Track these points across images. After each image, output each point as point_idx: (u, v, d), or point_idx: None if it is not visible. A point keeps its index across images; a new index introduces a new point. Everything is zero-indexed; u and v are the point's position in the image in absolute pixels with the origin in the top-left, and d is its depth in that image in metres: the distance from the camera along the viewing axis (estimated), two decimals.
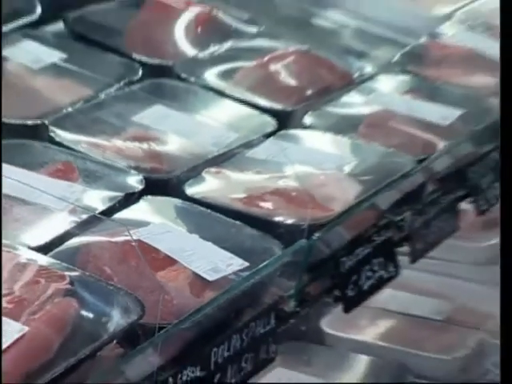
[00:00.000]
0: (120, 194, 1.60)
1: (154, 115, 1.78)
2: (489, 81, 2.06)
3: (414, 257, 1.86)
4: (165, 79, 1.90)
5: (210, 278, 1.47)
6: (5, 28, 1.87)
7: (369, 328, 2.38)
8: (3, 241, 1.44)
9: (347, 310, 1.75)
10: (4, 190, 1.56)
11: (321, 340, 2.36)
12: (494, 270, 2.64)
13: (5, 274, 1.37)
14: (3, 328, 1.27)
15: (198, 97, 1.87)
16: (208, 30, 1.97)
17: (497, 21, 2.22)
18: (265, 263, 1.52)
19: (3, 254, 1.40)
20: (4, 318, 1.30)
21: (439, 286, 2.58)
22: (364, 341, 2.35)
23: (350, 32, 2.18)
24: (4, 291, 1.34)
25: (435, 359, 2.37)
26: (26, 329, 1.26)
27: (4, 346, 1.25)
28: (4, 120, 1.69)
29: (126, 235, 1.49)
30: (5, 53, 1.85)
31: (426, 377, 2.38)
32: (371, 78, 2.01)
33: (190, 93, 1.88)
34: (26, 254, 1.40)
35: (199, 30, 2.00)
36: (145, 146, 1.72)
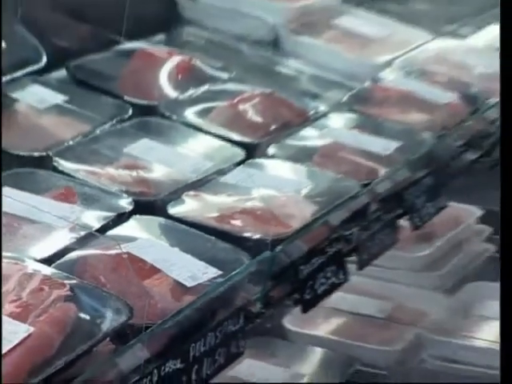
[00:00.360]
0: (113, 214, 1.60)
1: (141, 147, 1.79)
2: (422, 118, 2.07)
3: (361, 265, 1.87)
4: (151, 117, 1.91)
5: (188, 285, 1.47)
6: (16, 74, 1.86)
7: (323, 325, 2.38)
8: (13, 254, 1.43)
9: (305, 310, 1.74)
10: (14, 211, 1.55)
11: (283, 335, 2.36)
12: (427, 275, 2.64)
13: (14, 283, 1.36)
14: (12, 328, 1.26)
15: (178, 132, 1.88)
16: (187, 76, 1.98)
17: (430, 67, 2.22)
18: (235, 272, 1.53)
19: (13, 265, 1.39)
20: (13, 320, 1.29)
21: (381, 289, 2.58)
22: (319, 335, 2.36)
23: (306, 77, 2.19)
24: (13, 297, 1.33)
25: (378, 350, 2.37)
26: (32, 329, 1.25)
27: (13, 344, 1.24)
28: (14, 152, 1.68)
29: (118, 249, 1.48)
30: (15, 95, 1.85)
31: (370, 365, 2.38)
32: (324, 115, 2.01)
33: (172, 128, 1.89)
34: (32, 266, 1.39)
35: (180, 76, 2.00)
36: (134, 173, 1.72)
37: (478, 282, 2.67)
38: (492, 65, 2.34)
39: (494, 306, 2.56)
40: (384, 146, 1.95)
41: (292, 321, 2.32)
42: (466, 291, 2.60)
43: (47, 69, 1.85)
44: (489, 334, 2.46)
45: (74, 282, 1.38)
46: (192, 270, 1.49)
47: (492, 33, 2.54)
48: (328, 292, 1.74)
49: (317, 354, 2.32)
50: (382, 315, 2.46)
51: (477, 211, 2.87)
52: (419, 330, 2.43)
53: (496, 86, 2.21)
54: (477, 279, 2.73)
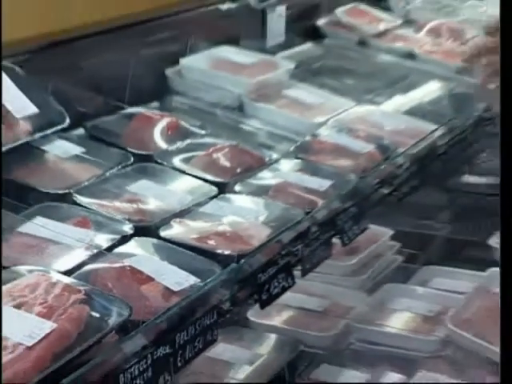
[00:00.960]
0: (118, 237, 1.58)
1: (140, 186, 1.81)
2: (348, 163, 2.09)
3: (304, 272, 1.88)
4: (148, 163, 1.90)
5: (175, 289, 1.45)
6: (46, 132, 1.84)
7: (276, 317, 2.39)
8: (41, 268, 1.40)
9: (262, 307, 1.74)
10: (43, 235, 1.53)
11: (247, 325, 2.35)
12: (353, 279, 2.64)
13: (41, 290, 1.34)
14: (40, 325, 1.23)
15: (168, 174, 1.89)
16: (175, 133, 2.00)
17: (354, 126, 2.23)
18: (210, 279, 1.51)
19: (41, 276, 1.36)
20: (40, 319, 1.27)
21: (320, 289, 2.58)
22: (273, 325, 2.36)
23: (263, 133, 2.18)
24: (41, 300, 1.31)
25: (317, 336, 2.37)
26: (55, 325, 1.23)
27: (40, 337, 1.22)
28: (44, 190, 1.66)
29: (121, 263, 1.46)
30: (45, 147, 1.85)
31: (311, 347, 2.37)
32: (276, 161, 2.00)
33: (164, 172, 1.90)
34: (56, 276, 1.36)
35: (169, 132, 2.01)
36: (134, 205, 1.73)
37: (391, 283, 2.66)
38: (399, 124, 2.35)
39: (402, 302, 2.56)
40: (320, 183, 1.96)
41: (254, 314, 2.32)
42: (381, 291, 2.60)
43: (69, 128, 1.82)
44: (398, 322, 2.48)
45: (88, 288, 1.35)
46: (177, 278, 1.47)
47: (399, 101, 2.56)
48: (280, 293, 1.74)
49: (272, 338, 2.34)
50: (321, 309, 2.47)
51: (389, 231, 2.87)
52: (348, 321, 2.42)
53: (402, 139, 2.24)
54: (389, 282, 2.72)
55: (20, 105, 1.80)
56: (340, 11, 2.95)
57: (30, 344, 1.18)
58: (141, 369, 1.30)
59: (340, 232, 1.92)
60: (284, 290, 1.73)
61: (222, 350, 2.16)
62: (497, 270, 2.47)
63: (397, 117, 2.38)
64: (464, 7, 3.38)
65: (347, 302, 2.50)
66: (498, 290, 2.40)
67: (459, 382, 2.14)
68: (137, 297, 1.37)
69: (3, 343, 1.20)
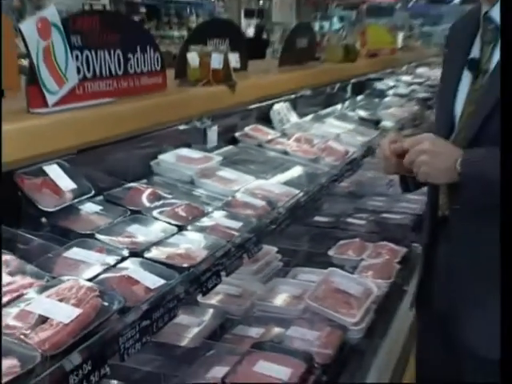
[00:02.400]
0: (119, 258, 1.53)
1: (134, 228, 1.78)
2: (252, 212, 2.09)
3: (228, 274, 1.81)
4: (138, 215, 1.89)
5: (152, 287, 1.40)
6: (80, 198, 1.79)
7: (213, 299, 2.30)
8: (73, 277, 1.34)
9: (204, 294, 1.72)
10: (76, 258, 1.47)
11: (196, 304, 2.28)
12: (256, 276, 2.56)
13: (74, 289, 1.27)
14: (71, 312, 1.18)
15: (150, 221, 1.88)
16: (154, 197, 1.95)
17: (255, 191, 2.21)
18: (172, 280, 1.47)
19: (74, 282, 1.30)
20: (73, 307, 1.21)
21: (237, 282, 2.54)
22: (211, 303, 2.31)
23: (205, 196, 2.21)
24: (73, 296, 1.25)
25: (236, 308, 2.36)
26: (81, 311, 1.21)
27: (71, 318, 1.17)
28: (78, 231, 1.61)
29: (121, 273, 1.40)
30: (79, 207, 1.86)
31: (233, 315, 2.40)
32: (211, 212, 2.01)
33: (147, 220, 1.90)
34: (82, 282, 1.30)
35: (151, 197, 1.99)
36: (130, 239, 1.70)
37: (276, 278, 2.62)
38: (279, 189, 2.33)
39: (282, 288, 2.51)
40: (236, 224, 1.94)
41: (200, 298, 2.25)
42: (271, 282, 2.58)
43: (94, 196, 1.77)
44: (280, 300, 2.46)
45: (100, 288, 1.30)
46: (153, 281, 1.42)
47: (279, 177, 2.56)
48: (214, 286, 1.67)
49: (210, 311, 2.28)
50: (237, 294, 2.41)
51: (275, 248, 2.89)
52: (252, 300, 2.37)
53: (281, 198, 2.20)
54: (275, 277, 2.70)
55: (65, 183, 1.75)
56: (247, 128, 2.94)
57: (66, 322, 1.15)
58: (131, 334, 1.25)
59: (247, 251, 1.87)
60: (216, 284, 1.68)
61: (181, 318, 2.08)
62: (334, 268, 2.47)
63: (278, 185, 2.37)
64: (313, 127, 3.40)
65: (252, 289, 2.47)
66: (334, 279, 2.39)
67: (314, 332, 2.09)
68: (129, 292, 1.33)
69: (51, 321, 1.15)
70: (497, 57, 1.42)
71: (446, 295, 1.63)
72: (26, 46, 1.53)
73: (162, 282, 1.42)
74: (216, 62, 2.41)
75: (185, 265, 1.53)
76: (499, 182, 1.28)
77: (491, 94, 1.38)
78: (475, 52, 1.49)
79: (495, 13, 1.42)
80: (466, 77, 1.51)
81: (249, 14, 20.81)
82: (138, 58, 2.01)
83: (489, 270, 1.43)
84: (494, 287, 1.35)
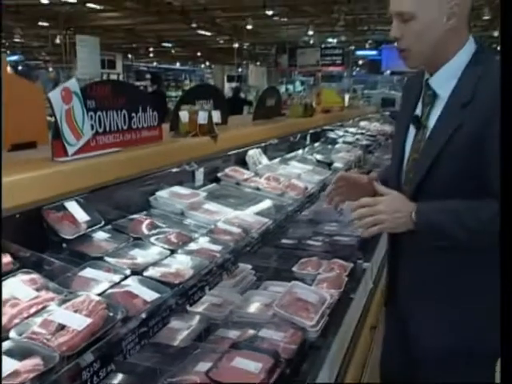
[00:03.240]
0: (123, 276, 1.51)
1: (135, 252, 1.75)
2: (230, 238, 2.05)
3: (210, 288, 1.79)
4: (139, 241, 1.87)
5: (148, 300, 1.39)
6: (92, 228, 1.76)
7: (199, 308, 2.26)
8: (86, 292, 1.32)
9: (191, 305, 1.67)
10: (89, 276, 1.46)
11: (185, 311, 2.21)
12: (235, 289, 2.51)
13: (86, 303, 1.26)
14: (82, 321, 1.17)
15: (148, 246, 1.84)
16: (151, 226, 1.97)
17: (233, 220, 2.21)
18: (165, 294, 1.47)
19: (86, 296, 1.29)
20: (85, 317, 1.20)
21: (218, 294, 2.45)
22: (198, 311, 2.26)
23: (192, 225, 2.15)
24: (85, 308, 1.23)
25: (218, 315, 2.29)
26: (92, 320, 1.18)
27: (82, 327, 1.15)
28: (91, 254, 1.59)
29: (124, 288, 1.40)
30: (92, 235, 1.78)
31: (215, 320, 2.33)
32: (197, 238, 1.98)
33: (146, 245, 1.86)
34: (93, 296, 1.29)
35: (149, 226, 1.95)
36: (131, 261, 1.66)
37: (250, 290, 2.58)
38: (252, 218, 2.32)
39: (256, 299, 2.47)
40: (217, 248, 1.93)
41: (188, 307, 2.17)
42: (246, 294, 2.54)
43: (104, 225, 1.76)
44: (253, 307, 2.42)
45: (107, 301, 1.29)
46: (150, 294, 1.41)
47: (252, 208, 2.56)
48: (200, 298, 1.67)
49: (197, 317, 2.23)
50: (219, 303, 2.38)
51: (249, 266, 2.84)
52: (231, 307, 2.34)
53: (254, 225, 2.20)
54: (249, 289, 2.66)
55: (81, 216, 1.74)
56: (227, 170, 2.96)
57: (80, 329, 1.14)
58: (132, 338, 1.25)
59: (226, 269, 1.86)
60: (201, 297, 1.67)
61: (173, 323, 2.04)
62: (296, 281, 2.47)
63: (251, 216, 2.37)
64: (280, 168, 3.42)
65: (231, 299, 2.43)
66: (296, 290, 2.39)
67: (280, 333, 2.07)
68: (130, 304, 1.31)
69: (68, 328, 1.15)
70: (434, 116, 1.40)
71: (404, 299, 1.60)
72: (52, 109, 1.57)
73: (157, 295, 1.42)
74: (202, 118, 2.46)
75: (175, 281, 1.54)
76: (447, 229, 1.29)
77: (433, 145, 1.37)
78: (418, 110, 1.48)
79: (432, 81, 1.41)
80: (411, 131, 1.49)
81: (230, 78, 21.16)
82: (139, 116, 2.06)
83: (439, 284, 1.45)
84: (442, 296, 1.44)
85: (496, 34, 16.97)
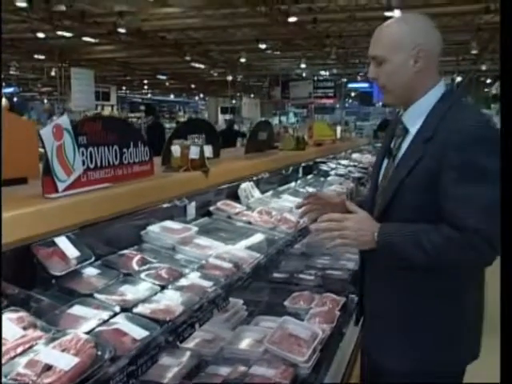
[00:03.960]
0: (112, 313, 1.50)
1: (124, 288, 1.74)
2: (221, 273, 2.03)
3: (201, 324, 1.75)
4: (129, 277, 1.86)
5: (137, 338, 1.40)
6: (82, 264, 1.75)
7: (190, 343, 2.24)
8: (75, 331, 1.32)
9: (181, 342, 1.64)
10: (77, 313, 1.46)
11: (176, 347, 2.21)
12: (226, 324, 2.51)
13: (74, 341, 1.25)
14: (70, 360, 1.16)
15: (138, 282, 1.84)
16: (142, 262, 1.97)
17: (223, 255, 2.21)
18: (155, 332, 1.46)
19: (75, 335, 1.28)
20: (72, 356, 1.18)
21: (209, 329, 2.42)
22: (189, 347, 2.21)
23: (183, 260, 2.19)
24: (73, 347, 1.22)
25: (209, 350, 2.24)
26: (79, 359, 1.17)
27: (70, 366, 1.14)
28: (80, 291, 1.59)
29: (113, 326, 1.38)
30: (82, 271, 1.79)
31: (206, 356, 2.32)
32: (188, 274, 1.98)
33: (136, 281, 1.86)
34: (81, 335, 1.30)
35: (139, 262, 1.94)
36: (121, 297, 1.65)
37: (241, 326, 2.55)
38: (244, 253, 2.31)
39: (247, 334, 2.45)
40: (209, 283, 1.91)
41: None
42: (237, 329, 2.50)
43: (94, 261, 1.76)
44: (244, 343, 2.40)
45: (95, 340, 1.28)
46: (139, 332, 1.41)
47: (244, 242, 2.55)
48: (190, 335, 1.65)
49: (188, 353, 2.20)
50: (210, 338, 2.36)
51: (240, 301, 2.82)
52: (223, 343, 2.28)
53: (247, 260, 2.22)
54: (240, 325, 2.63)
55: (71, 251, 1.75)
56: (219, 203, 2.96)
57: (67, 369, 1.14)
58: (120, 378, 1.24)
59: (216, 305, 1.85)
60: (190, 334, 1.65)
61: (163, 360, 2.02)
62: (287, 317, 2.46)
63: (243, 250, 2.37)
64: (272, 201, 3.44)
65: (222, 335, 2.41)
66: (287, 326, 2.38)
67: (272, 370, 2.05)
68: (119, 343, 1.31)
69: (54, 369, 1.14)
70: (403, 148, 1.52)
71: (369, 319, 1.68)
72: (43, 145, 1.59)
73: (146, 333, 1.42)
74: (193, 153, 2.47)
75: (165, 318, 1.53)
76: (405, 248, 1.39)
77: (398, 174, 1.48)
78: (393, 143, 1.60)
79: (404, 117, 1.54)
80: (385, 161, 1.61)
81: (224, 110, 21.38)
82: (131, 152, 2.06)
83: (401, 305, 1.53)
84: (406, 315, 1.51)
85: (484, 67, 17.39)
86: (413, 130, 1.50)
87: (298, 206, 1.92)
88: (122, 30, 12.12)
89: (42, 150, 1.85)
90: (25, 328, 1.32)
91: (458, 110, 1.43)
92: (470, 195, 1.30)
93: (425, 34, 1.44)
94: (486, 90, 20.35)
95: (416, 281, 1.47)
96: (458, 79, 15.85)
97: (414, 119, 1.50)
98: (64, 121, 1.66)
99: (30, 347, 1.23)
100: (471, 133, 1.35)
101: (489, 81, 19.51)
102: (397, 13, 10.30)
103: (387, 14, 10.12)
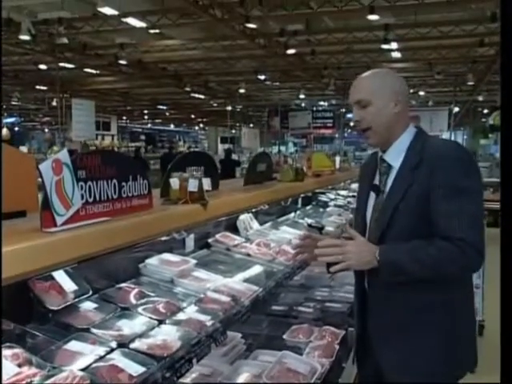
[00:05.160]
0: (109, 349, 1.50)
1: (121, 323, 1.72)
2: (219, 307, 2.02)
3: (198, 360, 1.73)
4: (126, 311, 1.84)
5: (134, 375, 1.38)
6: (80, 298, 1.74)
7: (188, 378, 2.19)
8: (69, 368, 1.31)
9: (178, 379, 1.59)
10: (74, 349, 1.43)
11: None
12: (224, 358, 2.48)
13: (70, 379, 1.24)
14: None
15: (135, 316, 1.81)
16: (139, 296, 1.96)
17: (221, 288, 2.19)
18: (151, 368, 1.44)
19: (70, 372, 1.27)
20: None
21: (207, 364, 2.40)
22: (187, 382, 2.15)
23: (182, 293, 2.18)
24: (67, 383, 1.20)
25: None
26: None
27: None
28: (77, 326, 1.58)
29: (109, 362, 1.37)
30: (79, 305, 1.78)
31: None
32: (185, 308, 1.97)
33: (133, 315, 1.84)
34: (77, 372, 1.28)
35: (137, 296, 1.93)
36: (118, 333, 1.64)
37: (239, 360, 2.52)
38: (241, 287, 2.32)
39: (244, 368, 2.42)
40: (206, 318, 1.92)
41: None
42: (236, 363, 2.49)
43: (91, 295, 1.75)
44: (243, 378, 2.35)
45: (91, 377, 1.27)
46: (136, 369, 1.40)
47: (242, 275, 2.54)
48: (187, 371, 1.63)
49: None
50: (208, 373, 2.32)
51: (239, 334, 2.77)
52: (220, 378, 2.26)
53: (244, 292, 2.21)
54: (238, 359, 2.59)
55: (69, 285, 1.75)
56: (218, 235, 2.96)
57: None
58: None
59: (214, 340, 1.83)
60: (188, 370, 1.63)
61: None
62: (286, 351, 2.44)
63: (241, 283, 2.37)
64: (271, 233, 3.43)
65: (220, 369, 2.38)
66: (286, 360, 2.35)
67: None
68: (116, 380, 1.31)
69: None
70: (389, 182, 1.70)
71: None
72: (42, 180, 1.60)
73: (143, 369, 1.41)
74: (192, 186, 2.48)
75: (163, 354, 1.53)
76: (404, 263, 1.52)
77: (392, 200, 1.65)
78: (376, 180, 1.79)
79: (386, 156, 1.74)
80: (372, 196, 1.78)
81: (224, 140, 21.55)
82: (130, 185, 2.06)
83: (403, 324, 1.65)
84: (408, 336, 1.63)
85: (480, 98, 17.63)
86: (396, 165, 1.69)
87: (294, 248, 2.04)
88: (122, 62, 12.34)
89: (40, 179, 1.88)
90: (20, 365, 1.31)
91: (434, 141, 1.68)
92: (457, 209, 1.49)
93: (400, 83, 1.69)
94: (483, 120, 20.57)
95: (414, 295, 1.61)
96: (456, 109, 16.03)
97: (395, 156, 1.70)
98: (64, 155, 1.68)
99: None
100: (452, 155, 1.56)
101: (486, 111, 19.74)
102: (393, 45, 10.55)
103: (384, 46, 10.35)
